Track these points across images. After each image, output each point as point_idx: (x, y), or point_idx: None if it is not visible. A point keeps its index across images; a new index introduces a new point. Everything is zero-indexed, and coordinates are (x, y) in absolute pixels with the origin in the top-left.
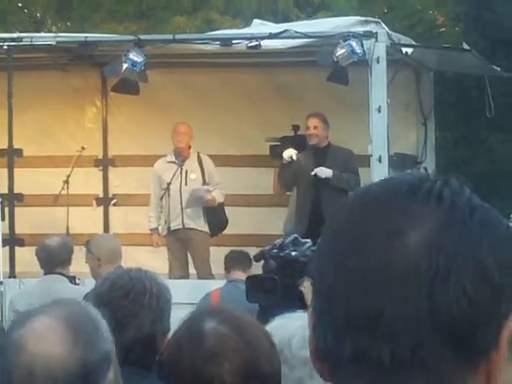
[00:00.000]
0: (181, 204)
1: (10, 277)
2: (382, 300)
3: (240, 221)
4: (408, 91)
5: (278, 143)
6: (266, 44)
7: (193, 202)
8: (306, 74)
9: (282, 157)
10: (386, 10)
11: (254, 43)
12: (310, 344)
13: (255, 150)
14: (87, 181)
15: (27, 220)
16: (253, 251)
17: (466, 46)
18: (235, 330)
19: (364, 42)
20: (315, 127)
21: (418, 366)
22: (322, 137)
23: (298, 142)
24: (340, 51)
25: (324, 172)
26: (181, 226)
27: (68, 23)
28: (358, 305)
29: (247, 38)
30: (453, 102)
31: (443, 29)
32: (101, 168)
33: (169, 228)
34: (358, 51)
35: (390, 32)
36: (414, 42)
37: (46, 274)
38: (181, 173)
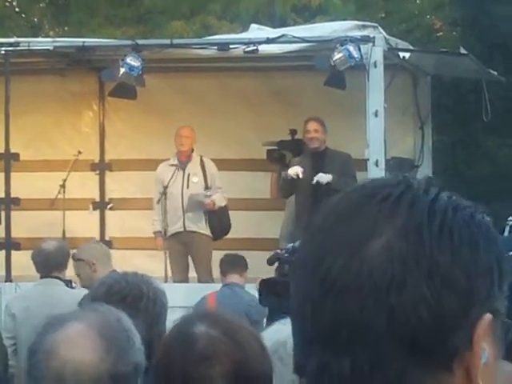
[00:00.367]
0: (182, 207)
1: (6, 281)
2: (341, 311)
3: (237, 225)
4: (405, 95)
5: (275, 147)
6: (264, 49)
7: (192, 207)
8: (304, 78)
9: (279, 161)
10: (383, 15)
11: (252, 48)
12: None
13: (252, 154)
14: (84, 185)
15: (24, 224)
16: (249, 255)
17: (463, 51)
18: (226, 333)
19: (361, 46)
20: (316, 130)
21: (378, 378)
22: (322, 140)
23: (295, 146)
24: (337, 56)
25: (324, 178)
26: (182, 229)
27: (65, 28)
28: (320, 317)
29: (245, 43)
30: (450, 106)
31: (440, 33)
32: (97, 172)
33: (165, 231)
34: (356, 56)
35: (388, 36)
36: (411, 47)
37: (42, 277)
38: (183, 176)
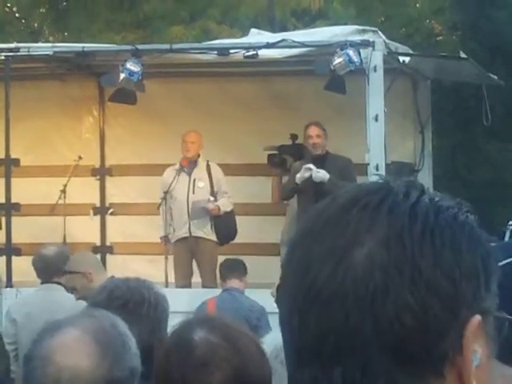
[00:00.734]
0: (188, 212)
1: (6, 286)
2: (327, 321)
3: (238, 229)
4: (405, 100)
5: (276, 152)
6: (264, 53)
7: (197, 214)
8: (304, 82)
9: (279, 166)
10: (383, 19)
11: (252, 52)
12: None
13: (253, 159)
14: (84, 190)
15: (24, 229)
16: (250, 260)
17: (463, 55)
18: (225, 339)
19: (361, 50)
20: (318, 136)
21: None
22: (324, 145)
23: (296, 150)
24: (337, 60)
25: (319, 176)
26: (188, 235)
27: (65, 33)
28: (307, 328)
29: (244, 48)
30: (450, 110)
31: (440, 37)
32: (98, 177)
33: (166, 237)
34: (355, 60)
35: (388, 41)
36: (411, 51)
37: (42, 283)
38: (189, 181)
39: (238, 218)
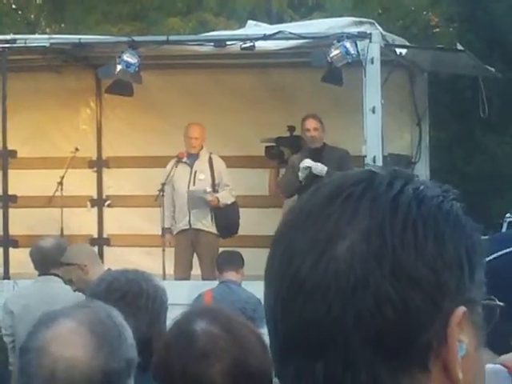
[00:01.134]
0: (188, 204)
1: (4, 278)
2: (310, 313)
3: None
4: (402, 92)
5: (274, 144)
6: (260, 45)
7: (195, 204)
8: (301, 74)
9: (277, 158)
10: (380, 11)
11: (248, 44)
12: None
13: (250, 151)
14: (81, 182)
15: (21, 221)
16: (248, 252)
17: (460, 47)
18: (226, 330)
19: (358, 42)
20: (315, 129)
21: (351, 380)
22: (322, 138)
23: (294, 142)
24: (334, 52)
25: (318, 169)
26: (188, 227)
27: (62, 25)
28: (291, 320)
29: (241, 39)
30: (447, 102)
31: (437, 29)
32: (95, 169)
33: (169, 229)
34: (352, 52)
35: (384, 33)
36: (408, 43)
37: (40, 275)
38: (190, 173)
39: None
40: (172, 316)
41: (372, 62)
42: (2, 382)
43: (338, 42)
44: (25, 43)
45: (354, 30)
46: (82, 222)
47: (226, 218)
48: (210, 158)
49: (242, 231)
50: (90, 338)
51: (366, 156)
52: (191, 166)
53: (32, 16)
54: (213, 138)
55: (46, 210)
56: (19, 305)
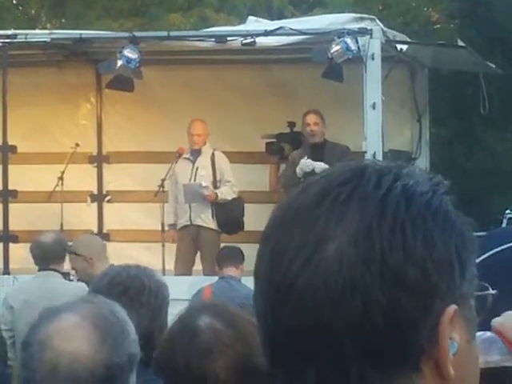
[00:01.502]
0: (185, 198)
1: (4, 273)
2: (299, 318)
3: None
4: (403, 88)
5: (274, 140)
6: (261, 41)
7: (190, 197)
8: (301, 70)
9: (278, 154)
10: (380, 7)
11: (249, 40)
12: None
13: (250, 147)
14: (81, 177)
15: (21, 216)
16: (248, 248)
17: (460, 43)
18: (230, 326)
19: (359, 38)
20: (315, 123)
21: None
22: (322, 133)
23: (294, 138)
24: (335, 48)
25: (321, 168)
26: (189, 223)
27: (62, 20)
28: (281, 324)
29: (242, 35)
30: (447, 98)
31: (438, 25)
32: (95, 165)
33: (173, 225)
34: (353, 48)
35: (385, 29)
36: (408, 39)
37: (40, 270)
38: (192, 169)
39: None
40: (172, 311)
41: (373, 58)
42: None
43: (339, 37)
44: (25, 38)
45: (355, 26)
46: (82, 217)
47: (227, 215)
48: (213, 155)
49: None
50: (93, 333)
51: (366, 152)
52: (193, 162)
53: (33, 11)
54: (213, 133)
55: (46, 206)
56: (19, 300)
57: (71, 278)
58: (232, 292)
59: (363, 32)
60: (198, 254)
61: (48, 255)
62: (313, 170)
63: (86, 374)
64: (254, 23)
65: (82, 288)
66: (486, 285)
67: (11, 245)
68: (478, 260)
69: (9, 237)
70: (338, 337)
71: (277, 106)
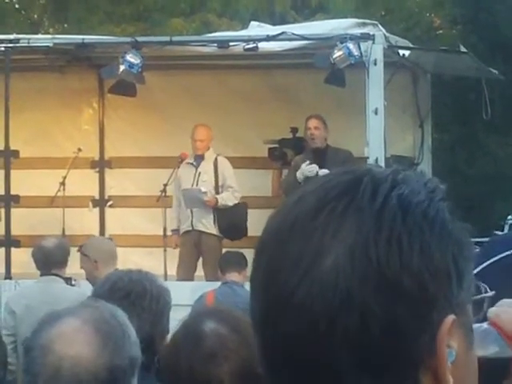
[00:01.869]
0: (185, 203)
1: (5, 278)
2: (296, 333)
3: None
4: (405, 93)
5: (277, 145)
6: (264, 46)
7: (190, 202)
8: (304, 76)
9: (280, 159)
10: (383, 13)
11: (252, 45)
12: None
13: (252, 152)
14: (83, 182)
15: (23, 221)
16: (250, 253)
17: (462, 49)
18: (234, 331)
19: (361, 44)
20: (316, 128)
21: None
22: (323, 138)
23: (297, 144)
24: (337, 53)
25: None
26: (190, 228)
27: (65, 25)
28: (278, 338)
29: (244, 40)
30: (450, 104)
31: (440, 31)
32: (97, 170)
33: (177, 230)
34: (355, 53)
35: (388, 34)
36: (411, 45)
37: (42, 275)
38: (194, 174)
39: None
40: (173, 316)
41: (375, 64)
42: None
43: (341, 43)
44: (28, 43)
45: (357, 31)
46: (84, 222)
47: (228, 221)
48: (216, 160)
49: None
50: (94, 336)
51: (368, 157)
52: (196, 168)
53: (35, 16)
54: (215, 138)
55: (48, 210)
56: (21, 305)
57: (73, 282)
58: (235, 297)
59: (365, 37)
60: (200, 259)
61: (50, 260)
62: (315, 175)
63: (88, 378)
64: (256, 28)
65: (83, 293)
66: (485, 285)
67: (13, 249)
68: (482, 266)
69: (11, 241)
70: (335, 350)
71: (279, 112)
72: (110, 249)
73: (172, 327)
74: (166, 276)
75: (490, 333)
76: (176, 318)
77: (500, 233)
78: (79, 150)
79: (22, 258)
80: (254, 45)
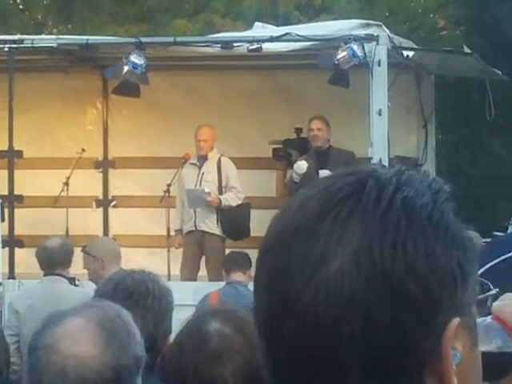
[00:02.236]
0: (188, 203)
1: (9, 278)
2: (301, 338)
3: None
4: (409, 94)
5: (281, 146)
6: (267, 47)
7: (193, 202)
8: (307, 76)
9: (285, 160)
10: (387, 14)
11: (255, 46)
12: None
13: (256, 153)
14: (87, 183)
15: (27, 221)
16: (255, 253)
17: (466, 50)
18: (239, 331)
19: (365, 44)
20: (319, 129)
21: None
22: (325, 139)
23: (301, 144)
24: (341, 54)
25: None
26: (194, 228)
27: (69, 25)
28: (282, 344)
29: (248, 41)
30: (453, 105)
31: (444, 32)
32: (101, 170)
33: (180, 230)
34: (359, 54)
35: (391, 35)
36: (414, 45)
37: (45, 275)
38: (198, 175)
39: None
40: (177, 316)
41: (379, 65)
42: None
43: (345, 44)
44: (32, 44)
45: (361, 32)
46: (88, 222)
47: (231, 221)
48: (219, 160)
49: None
50: (99, 335)
51: (371, 158)
52: (200, 168)
53: (39, 16)
54: (219, 139)
55: (52, 211)
56: (25, 305)
57: (77, 283)
58: (239, 298)
59: (369, 38)
60: (203, 259)
61: (54, 260)
62: (306, 173)
63: (93, 376)
64: (260, 29)
65: (87, 293)
66: (488, 283)
67: (16, 249)
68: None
69: (14, 241)
70: (341, 352)
71: (283, 112)
72: (115, 248)
73: (175, 327)
74: (169, 276)
75: (492, 327)
76: (180, 318)
77: (501, 234)
78: (83, 150)
79: (26, 258)
80: (258, 45)
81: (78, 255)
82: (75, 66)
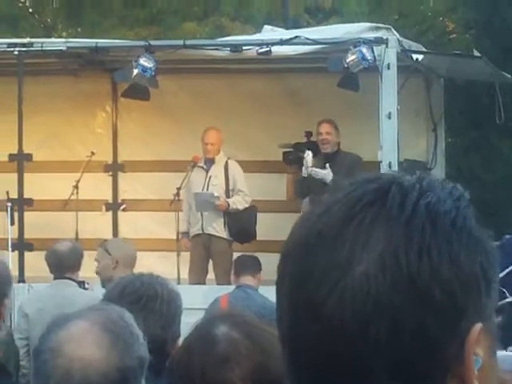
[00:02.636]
0: (196, 207)
1: (19, 281)
2: (326, 343)
3: None
4: (418, 97)
5: (291, 149)
6: (277, 50)
7: (201, 206)
8: (317, 79)
9: (295, 163)
10: (396, 17)
11: (265, 49)
12: None
13: (265, 156)
14: (97, 186)
15: (36, 225)
16: (265, 257)
17: (476, 53)
18: (247, 335)
19: (375, 48)
20: (328, 133)
21: None
22: (334, 143)
23: (311, 148)
24: (351, 57)
25: (320, 174)
26: (201, 232)
27: (78, 29)
28: (306, 349)
29: (258, 44)
30: (463, 108)
31: (454, 35)
32: (110, 173)
33: (186, 233)
34: (369, 57)
35: (401, 38)
36: (424, 49)
37: (55, 278)
38: (205, 178)
39: None
40: (186, 320)
41: (388, 68)
42: None
43: (355, 47)
44: (41, 47)
45: (371, 35)
46: (97, 225)
47: (238, 224)
48: (227, 163)
49: (258, 236)
50: (103, 337)
51: (381, 162)
52: (207, 171)
53: (49, 20)
54: (228, 142)
55: (62, 214)
56: (34, 308)
57: (86, 286)
58: (248, 301)
59: (379, 41)
60: (211, 262)
61: (63, 264)
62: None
63: (98, 378)
64: (269, 32)
65: (96, 297)
66: (504, 290)
67: (26, 253)
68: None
69: (24, 245)
70: (365, 360)
71: (292, 115)
72: (132, 253)
73: (184, 331)
74: (179, 280)
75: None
76: (189, 322)
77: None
78: (92, 153)
79: (35, 261)
80: (268, 49)
81: (87, 259)
82: (85, 70)
